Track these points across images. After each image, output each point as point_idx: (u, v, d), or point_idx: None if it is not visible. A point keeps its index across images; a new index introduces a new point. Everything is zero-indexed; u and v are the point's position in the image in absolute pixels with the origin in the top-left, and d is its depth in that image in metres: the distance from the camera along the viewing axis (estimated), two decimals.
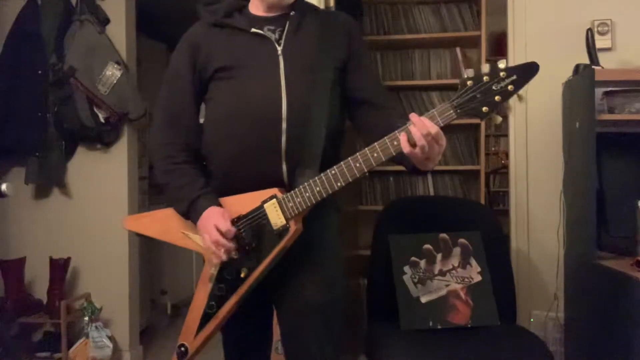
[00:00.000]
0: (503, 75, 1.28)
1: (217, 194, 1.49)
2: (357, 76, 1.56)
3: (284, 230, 1.41)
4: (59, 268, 3.03)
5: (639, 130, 2.40)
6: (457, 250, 2.31)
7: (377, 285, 2.40)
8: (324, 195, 1.38)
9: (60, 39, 3.05)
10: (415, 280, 2.26)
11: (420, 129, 1.28)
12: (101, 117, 3.02)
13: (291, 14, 1.53)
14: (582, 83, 2.40)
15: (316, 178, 1.39)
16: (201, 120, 1.58)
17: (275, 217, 1.41)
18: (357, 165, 1.36)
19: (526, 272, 2.78)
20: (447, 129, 1.32)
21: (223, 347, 1.67)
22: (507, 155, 3.11)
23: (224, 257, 1.43)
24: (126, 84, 3.04)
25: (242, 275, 1.44)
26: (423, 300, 2.23)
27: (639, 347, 1.92)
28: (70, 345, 2.96)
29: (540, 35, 2.80)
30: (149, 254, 3.84)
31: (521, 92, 1.29)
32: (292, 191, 1.41)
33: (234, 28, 1.51)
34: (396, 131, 1.33)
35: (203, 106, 1.59)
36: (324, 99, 1.47)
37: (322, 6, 2.62)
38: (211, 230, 1.41)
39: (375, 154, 1.35)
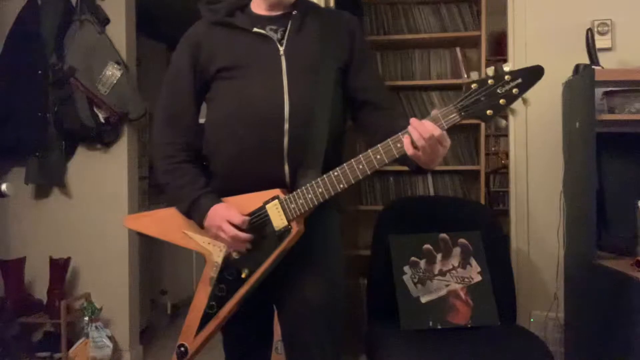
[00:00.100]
0: (508, 78, 1.27)
1: (219, 194, 1.49)
2: (359, 76, 1.55)
3: (286, 231, 1.41)
4: (59, 268, 3.03)
5: (639, 130, 2.40)
6: (457, 250, 2.31)
7: (377, 285, 2.40)
8: (327, 196, 1.38)
9: (60, 39, 3.05)
10: (415, 280, 2.26)
11: (423, 132, 1.28)
12: (101, 117, 3.02)
13: (293, 13, 1.52)
14: (582, 83, 2.40)
15: (319, 179, 1.38)
16: (202, 120, 1.58)
17: (277, 218, 1.41)
18: (360, 167, 1.36)
19: (526, 272, 2.78)
20: (448, 128, 1.32)
21: (223, 347, 1.67)
22: (507, 155, 3.11)
23: (248, 247, 1.43)
24: (126, 84, 3.04)
25: (243, 275, 1.44)
26: (423, 300, 2.23)
27: (639, 347, 1.91)
28: (70, 345, 2.96)
29: (540, 35, 2.80)
30: (149, 254, 3.84)
31: (526, 95, 1.29)
32: (294, 192, 1.41)
33: (235, 27, 1.51)
34: (399, 133, 1.33)
35: (204, 106, 1.59)
36: (327, 100, 1.47)
37: (322, 6, 2.62)
38: (226, 227, 1.41)
39: (378, 156, 1.35)
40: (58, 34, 3.05)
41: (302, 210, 1.39)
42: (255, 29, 1.49)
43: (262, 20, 1.51)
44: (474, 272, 2.27)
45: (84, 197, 3.18)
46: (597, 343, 2.25)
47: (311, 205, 1.39)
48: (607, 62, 2.57)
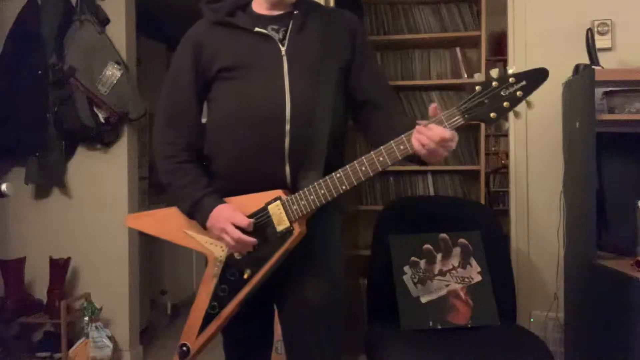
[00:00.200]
0: (512, 80, 1.27)
1: (221, 194, 1.49)
2: (360, 76, 1.55)
3: (288, 232, 1.41)
4: (59, 268, 3.03)
5: (639, 130, 2.40)
6: (457, 250, 2.31)
7: (377, 285, 2.40)
8: (329, 198, 1.38)
9: (60, 39, 3.05)
10: (415, 280, 2.26)
11: (433, 137, 1.28)
12: (101, 117, 3.02)
13: (295, 12, 1.52)
14: (582, 83, 2.40)
15: (321, 181, 1.38)
16: (203, 121, 1.58)
17: (279, 219, 1.41)
18: (363, 169, 1.36)
19: (526, 272, 2.78)
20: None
21: (223, 347, 1.67)
22: (507, 155, 3.11)
23: (250, 249, 1.43)
24: (126, 84, 3.04)
25: (246, 276, 1.44)
26: (423, 300, 2.23)
27: (639, 347, 1.92)
28: (70, 345, 2.96)
29: (540, 35, 2.80)
30: (149, 254, 3.84)
31: (529, 97, 1.28)
32: (296, 193, 1.41)
33: (237, 27, 1.51)
34: (403, 135, 1.33)
35: (205, 106, 1.59)
36: (328, 100, 1.47)
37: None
38: (230, 230, 1.41)
39: (381, 158, 1.35)
40: (58, 34, 3.05)
41: (305, 212, 1.39)
42: (256, 29, 1.49)
43: (264, 20, 1.51)
44: (474, 272, 2.27)
45: (84, 197, 3.18)
46: (597, 343, 2.25)
47: (313, 207, 1.39)
48: (607, 62, 2.57)
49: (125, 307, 3.16)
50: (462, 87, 3.24)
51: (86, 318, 2.98)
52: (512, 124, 2.83)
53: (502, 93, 1.28)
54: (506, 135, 3.20)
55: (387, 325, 2.21)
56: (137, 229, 1.66)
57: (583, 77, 2.42)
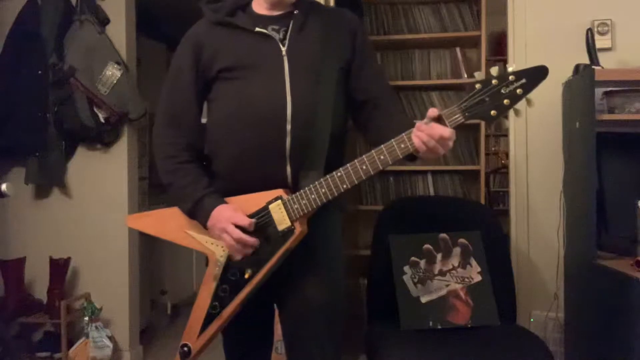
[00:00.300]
0: (512, 78, 1.27)
1: (222, 194, 1.49)
2: (361, 76, 1.55)
3: (289, 231, 1.41)
4: (59, 268, 3.03)
5: (639, 130, 2.40)
6: (457, 250, 2.31)
7: (377, 285, 2.40)
8: (330, 197, 1.38)
9: (60, 39, 3.05)
10: (415, 280, 2.26)
11: (433, 134, 1.28)
12: (101, 117, 3.02)
13: (295, 12, 1.52)
14: (582, 83, 2.40)
15: (322, 180, 1.38)
16: (204, 121, 1.58)
17: (280, 218, 1.41)
18: (364, 167, 1.36)
19: (526, 272, 2.78)
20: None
21: (223, 347, 1.67)
22: (507, 155, 3.11)
23: (249, 252, 1.42)
24: (126, 84, 3.04)
25: (247, 276, 1.44)
26: (423, 300, 2.23)
27: (639, 347, 1.92)
28: (70, 345, 2.96)
29: (540, 35, 2.80)
30: (149, 254, 3.84)
31: (528, 95, 1.28)
32: (297, 193, 1.41)
33: (237, 27, 1.50)
34: (403, 134, 1.33)
35: (205, 106, 1.59)
36: (329, 100, 1.47)
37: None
38: (231, 230, 1.41)
39: (382, 157, 1.35)
40: (58, 34, 3.05)
41: (306, 211, 1.39)
42: (257, 29, 1.49)
43: (264, 20, 1.51)
44: (474, 272, 2.28)
45: (84, 197, 3.18)
46: (597, 343, 2.25)
47: (314, 206, 1.39)
48: (607, 62, 2.57)
49: (125, 307, 3.16)
50: (462, 87, 3.24)
51: (86, 318, 2.98)
52: (512, 124, 2.83)
53: (502, 91, 1.28)
54: (506, 135, 3.21)
55: (387, 325, 2.21)
56: (137, 229, 1.66)
57: (583, 77, 2.42)
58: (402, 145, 1.33)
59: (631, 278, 1.95)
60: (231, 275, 1.46)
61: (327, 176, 1.38)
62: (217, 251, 1.49)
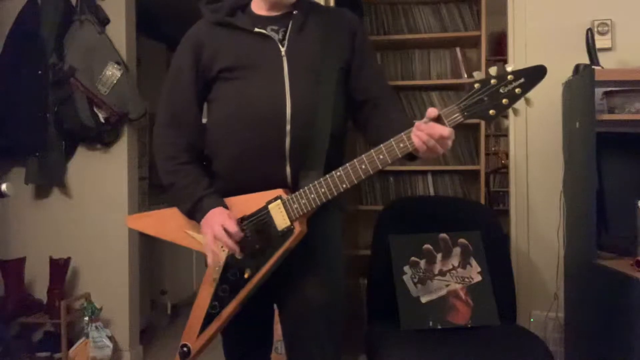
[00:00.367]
0: (511, 78, 1.27)
1: (222, 194, 1.49)
2: (360, 76, 1.55)
3: (289, 231, 1.41)
4: (59, 268, 3.03)
5: (639, 130, 2.40)
6: (457, 250, 2.31)
7: (377, 285, 2.40)
8: (329, 197, 1.38)
9: (60, 39, 3.05)
10: (415, 280, 2.26)
11: (432, 133, 1.28)
12: (101, 117, 3.02)
13: (294, 12, 1.52)
14: (582, 83, 2.40)
15: (321, 180, 1.38)
16: (204, 121, 1.58)
17: (280, 218, 1.41)
18: (363, 167, 1.36)
19: (526, 272, 2.78)
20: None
21: (223, 347, 1.67)
22: (507, 155, 3.11)
23: (222, 258, 1.43)
24: (126, 84, 3.04)
25: (246, 276, 1.44)
26: (423, 300, 2.23)
27: (639, 347, 1.92)
28: (70, 345, 2.96)
29: (540, 35, 2.80)
30: (149, 254, 3.84)
31: (528, 95, 1.28)
32: (297, 192, 1.41)
33: (236, 27, 1.51)
34: (402, 134, 1.33)
35: (205, 106, 1.59)
36: (329, 100, 1.47)
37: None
38: (216, 228, 1.41)
39: (381, 156, 1.34)
40: (58, 34, 3.05)
41: (305, 211, 1.39)
42: (256, 29, 1.49)
43: (263, 21, 1.51)
44: (474, 272, 2.28)
45: (84, 197, 3.18)
46: (597, 343, 2.25)
47: (314, 206, 1.39)
48: (607, 62, 2.57)
49: (125, 307, 3.16)
50: (462, 87, 3.24)
51: (86, 318, 2.98)
52: (512, 124, 2.83)
53: (501, 90, 1.28)
54: (506, 135, 3.20)
55: (387, 325, 2.21)
56: (137, 230, 1.66)
57: (583, 77, 2.42)
58: (402, 145, 1.33)
59: (631, 278, 1.95)
60: (231, 275, 1.46)
61: (327, 176, 1.38)
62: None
